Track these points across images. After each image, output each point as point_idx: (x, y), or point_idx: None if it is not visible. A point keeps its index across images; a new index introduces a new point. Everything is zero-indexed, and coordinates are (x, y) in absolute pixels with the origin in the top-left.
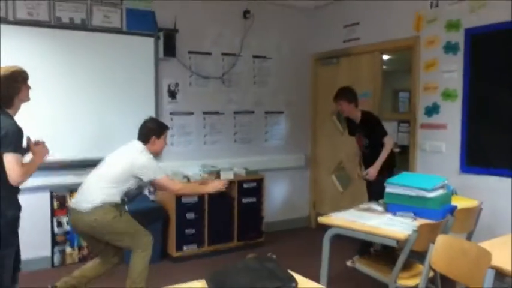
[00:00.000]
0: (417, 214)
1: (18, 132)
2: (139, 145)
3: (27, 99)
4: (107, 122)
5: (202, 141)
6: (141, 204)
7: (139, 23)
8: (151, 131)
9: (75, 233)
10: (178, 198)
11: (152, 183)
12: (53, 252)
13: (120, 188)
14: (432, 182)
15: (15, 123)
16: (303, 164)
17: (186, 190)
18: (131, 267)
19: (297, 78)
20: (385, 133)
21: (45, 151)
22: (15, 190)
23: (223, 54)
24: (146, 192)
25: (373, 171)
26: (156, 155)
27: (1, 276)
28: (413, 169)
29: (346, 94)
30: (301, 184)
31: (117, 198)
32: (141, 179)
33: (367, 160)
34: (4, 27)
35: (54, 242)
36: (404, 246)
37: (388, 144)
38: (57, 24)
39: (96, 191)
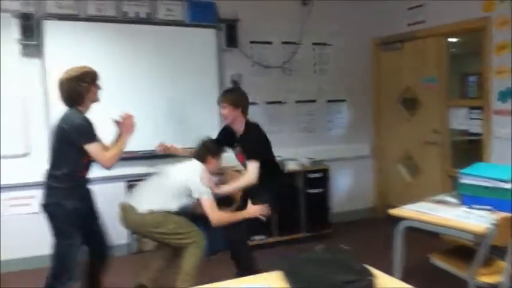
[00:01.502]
0: (495, 206)
1: (90, 125)
2: (196, 165)
3: (97, 99)
4: (175, 114)
5: (266, 131)
6: None
7: (202, 15)
8: (208, 151)
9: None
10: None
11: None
12: (129, 240)
13: (178, 201)
14: (510, 172)
15: (84, 117)
16: (368, 153)
17: (223, 220)
18: (182, 264)
19: (359, 65)
20: (254, 156)
21: (132, 124)
22: (79, 182)
23: (284, 42)
24: None
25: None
26: (212, 173)
27: (67, 264)
28: (487, 159)
29: (234, 97)
30: (366, 174)
31: (174, 208)
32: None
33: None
34: (76, 24)
35: None
36: (483, 241)
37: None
38: (124, 19)
39: (156, 198)
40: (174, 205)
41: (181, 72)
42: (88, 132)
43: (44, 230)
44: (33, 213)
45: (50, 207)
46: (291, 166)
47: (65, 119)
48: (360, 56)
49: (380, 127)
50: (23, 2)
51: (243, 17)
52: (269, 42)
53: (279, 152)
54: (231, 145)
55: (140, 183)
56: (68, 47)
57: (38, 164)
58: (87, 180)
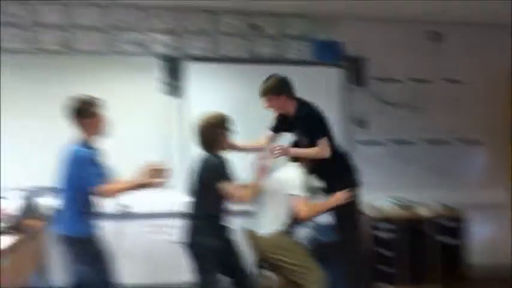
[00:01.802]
0: None
1: (226, 165)
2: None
3: (226, 147)
4: None
5: (393, 172)
6: (333, 236)
7: (328, 53)
8: None
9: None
10: (372, 231)
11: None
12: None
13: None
14: None
15: (220, 159)
16: (507, 201)
17: (313, 212)
18: None
19: (496, 102)
20: (318, 134)
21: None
22: (220, 220)
23: (413, 79)
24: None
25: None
26: None
27: None
28: None
29: (272, 85)
30: (505, 225)
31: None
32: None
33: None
34: (213, 65)
35: None
36: None
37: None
38: (253, 59)
39: (271, 215)
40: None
41: None
42: (224, 174)
43: (178, 258)
44: (171, 241)
45: (194, 246)
46: (421, 211)
47: (204, 164)
48: (496, 93)
49: None
50: (168, 44)
51: (370, 55)
52: (397, 80)
53: (407, 194)
54: (289, 130)
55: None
56: (205, 87)
57: (175, 196)
58: (226, 218)
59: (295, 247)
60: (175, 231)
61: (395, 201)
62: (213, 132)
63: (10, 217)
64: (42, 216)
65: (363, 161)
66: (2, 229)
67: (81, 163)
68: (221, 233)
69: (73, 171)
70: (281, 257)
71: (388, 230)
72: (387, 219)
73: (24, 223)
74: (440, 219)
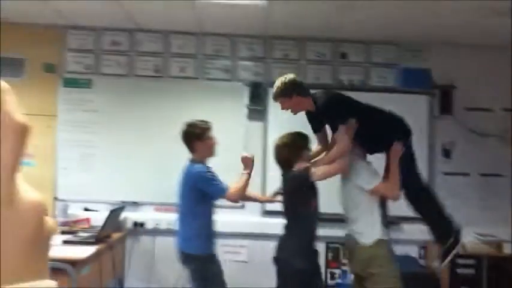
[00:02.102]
0: None
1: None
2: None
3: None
4: None
5: (479, 205)
6: (408, 267)
7: (415, 80)
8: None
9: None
10: (453, 267)
11: None
12: None
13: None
14: None
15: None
16: None
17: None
18: None
19: None
20: (337, 120)
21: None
22: (304, 240)
23: (505, 109)
24: (415, 254)
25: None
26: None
27: None
28: None
29: (282, 88)
30: None
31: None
32: None
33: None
34: None
35: None
36: None
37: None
38: (338, 86)
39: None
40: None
41: None
42: (301, 190)
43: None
44: (242, 261)
45: (280, 263)
46: (509, 248)
47: (284, 182)
48: None
49: None
50: (253, 72)
51: (459, 83)
52: (488, 109)
53: (493, 231)
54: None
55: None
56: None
57: (251, 216)
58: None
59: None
60: (247, 251)
61: (480, 237)
62: (288, 152)
63: (94, 228)
64: (124, 229)
65: (448, 192)
66: (85, 239)
67: (205, 178)
68: (310, 254)
69: (197, 187)
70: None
71: (470, 266)
72: (470, 256)
73: (106, 234)
74: None
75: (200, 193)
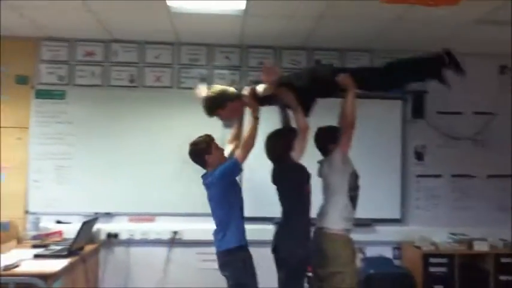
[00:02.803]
0: None
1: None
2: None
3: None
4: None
5: (451, 206)
6: (384, 268)
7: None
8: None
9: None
10: (426, 266)
11: None
12: None
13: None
14: None
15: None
16: None
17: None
18: None
19: None
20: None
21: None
22: (303, 226)
23: (476, 113)
24: (390, 255)
25: None
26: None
27: None
28: None
29: (211, 102)
30: None
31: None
32: None
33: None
34: None
35: None
36: None
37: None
38: None
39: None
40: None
41: (364, 142)
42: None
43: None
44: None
45: (283, 252)
46: (479, 247)
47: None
48: None
49: None
50: (229, 80)
51: (432, 88)
52: (459, 113)
53: (466, 230)
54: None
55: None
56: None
57: None
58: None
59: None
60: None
61: (453, 236)
62: (281, 146)
63: (66, 241)
64: (97, 241)
65: (421, 194)
66: (57, 252)
67: (219, 170)
68: (309, 239)
69: (222, 183)
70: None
71: (442, 265)
72: (443, 255)
73: (78, 247)
74: (500, 255)
75: (229, 188)
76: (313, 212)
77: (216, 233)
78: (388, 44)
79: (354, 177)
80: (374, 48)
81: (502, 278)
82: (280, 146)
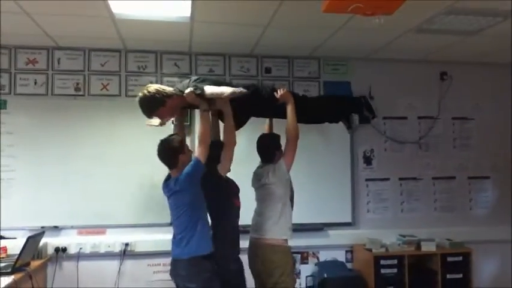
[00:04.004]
0: None
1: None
2: None
3: None
4: (309, 190)
5: (399, 208)
6: (338, 271)
7: (336, 92)
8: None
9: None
10: (377, 268)
11: None
12: None
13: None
14: None
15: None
16: None
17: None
18: None
19: (504, 140)
20: None
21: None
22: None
23: (420, 117)
24: (343, 258)
25: None
26: None
27: None
28: None
29: (147, 103)
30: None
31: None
32: None
33: None
34: None
35: None
36: None
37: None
38: None
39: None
40: None
41: (314, 147)
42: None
43: None
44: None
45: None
46: (427, 247)
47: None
48: (505, 130)
49: None
50: None
51: (377, 94)
52: (404, 117)
53: (414, 231)
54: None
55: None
56: None
57: None
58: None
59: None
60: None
61: (402, 237)
62: (274, 148)
63: (11, 257)
64: (44, 255)
65: (370, 197)
66: (1, 269)
67: (188, 182)
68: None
69: (186, 193)
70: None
71: (392, 266)
72: (392, 256)
73: (24, 263)
74: (446, 254)
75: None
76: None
77: (178, 240)
78: (334, 51)
79: (291, 186)
80: (321, 56)
81: (449, 276)
82: (274, 147)
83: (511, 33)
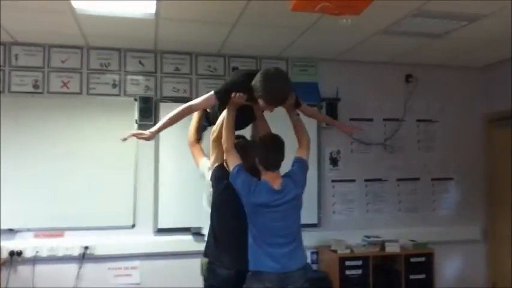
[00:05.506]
0: None
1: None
2: None
3: None
4: None
5: (365, 209)
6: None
7: (303, 93)
8: None
9: None
10: (342, 269)
11: None
12: None
13: None
14: None
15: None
16: (479, 237)
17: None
18: None
19: (468, 142)
20: None
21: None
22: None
23: (385, 119)
24: (308, 259)
25: None
26: None
27: None
28: None
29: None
30: (477, 261)
31: None
32: None
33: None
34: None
35: None
36: None
37: None
38: None
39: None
40: None
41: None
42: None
43: None
44: (134, 284)
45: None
46: (391, 248)
47: None
48: (469, 133)
49: (494, 209)
50: (143, 86)
51: (344, 96)
52: (370, 119)
53: (378, 232)
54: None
55: None
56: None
57: (142, 236)
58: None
59: None
60: (139, 273)
61: (367, 239)
62: None
63: None
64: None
65: (336, 198)
66: None
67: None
68: None
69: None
70: None
71: (357, 267)
72: (357, 257)
73: None
74: (410, 255)
75: None
76: None
77: (291, 251)
78: (302, 52)
79: None
80: (289, 56)
81: (412, 277)
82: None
83: (476, 37)
